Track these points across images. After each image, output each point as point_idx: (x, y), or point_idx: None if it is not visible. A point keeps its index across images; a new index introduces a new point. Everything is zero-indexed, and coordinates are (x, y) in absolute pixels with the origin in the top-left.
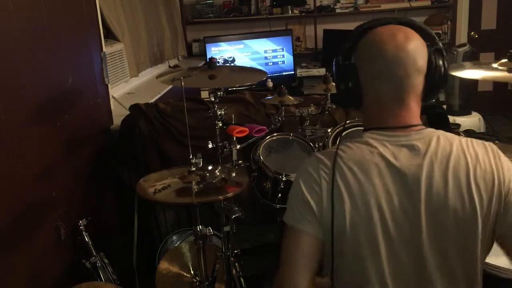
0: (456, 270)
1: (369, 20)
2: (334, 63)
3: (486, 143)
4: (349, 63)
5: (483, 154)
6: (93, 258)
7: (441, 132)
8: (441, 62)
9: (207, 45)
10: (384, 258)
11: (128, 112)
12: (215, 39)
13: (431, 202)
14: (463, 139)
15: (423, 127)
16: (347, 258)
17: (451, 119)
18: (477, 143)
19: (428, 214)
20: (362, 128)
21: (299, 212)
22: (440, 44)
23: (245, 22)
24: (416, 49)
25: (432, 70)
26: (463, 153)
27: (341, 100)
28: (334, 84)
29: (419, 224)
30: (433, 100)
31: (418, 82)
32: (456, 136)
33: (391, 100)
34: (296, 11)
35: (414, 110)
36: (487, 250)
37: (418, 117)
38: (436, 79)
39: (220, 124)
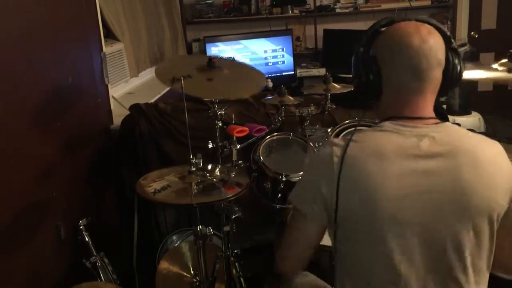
0: (468, 259)
1: (387, 17)
2: (354, 55)
3: (495, 141)
4: (369, 55)
5: (500, 154)
6: (93, 258)
7: (455, 126)
8: (457, 61)
9: (207, 45)
10: (394, 246)
11: (128, 112)
12: (215, 39)
13: (453, 193)
14: (475, 134)
15: (439, 120)
16: (356, 245)
17: (451, 119)
18: (488, 140)
19: (446, 204)
20: (362, 128)
21: (308, 196)
22: (455, 44)
23: (245, 22)
24: (437, 43)
25: (449, 67)
26: (484, 149)
27: (360, 91)
28: (335, 84)
29: (434, 213)
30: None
31: (438, 75)
32: (468, 131)
33: (412, 91)
34: (296, 11)
35: (431, 102)
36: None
37: (432, 109)
38: (453, 76)
39: (220, 124)
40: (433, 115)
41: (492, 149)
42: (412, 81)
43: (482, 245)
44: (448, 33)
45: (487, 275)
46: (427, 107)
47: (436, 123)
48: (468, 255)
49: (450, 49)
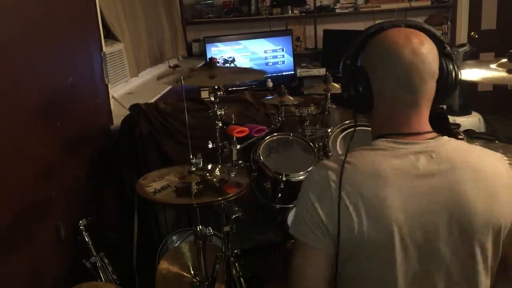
0: (473, 283)
1: (375, 23)
2: (341, 66)
3: (496, 153)
4: (358, 66)
5: (501, 166)
6: (93, 258)
7: (453, 140)
8: (451, 67)
9: (207, 45)
10: (401, 271)
11: (128, 112)
12: (215, 39)
13: (453, 213)
14: (475, 147)
15: (436, 134)
16: (363, 271)
17: (451, 119)
18: (488, 153)
19: (449, 223)
20: (362, 128)
21: (309, 227)
22: (448, 48)
23: (245, 22)
24: (429, 53)
25: (444, 75)
26: (482, 163)
27: (349, 105)
28: (335, 84)
29: (438, 233)
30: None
31: (431, 87)
32: (468, 145)
33: (405, 105)
34: (296, 11)
35: (426, 115)
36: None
37: (428, 122)
38: (448, 84)
39: (220, 124)
40: (429, 128)
41: (492, 161)
42: (405, 96)
43: (487, 262)
44: (441, 38)
45: None
46: (422, 120)
47: (432, 138)
48: (473, 273)
49: (443, 55)
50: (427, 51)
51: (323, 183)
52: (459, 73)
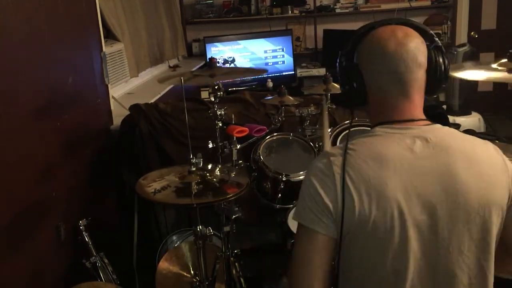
0: (472, 262)
1: (369, 23)
2: (337, 64)
3: (487, 141)
4: (352, 63)
5: (492, 150)
6: (93, 258)
7: (447, 128)
8: (441, 59)
9: (207, 45)
10: (403, 254)
11: (128, 112)
12: (215, 39)
13: (449, 194)
14: (467, 136)
15: (430, 122)
16: (361, 254)
17: (451, 119)
18: (480, 140)
19: (446, 203)
20: (362, 128)
21: (313, 212)
22: (439, 41)
23: (245, 22)
24: (415, 45)
25: (433, 66)
26: (476, 148)
27: (346, 100)
28: (335, 84)
29: (436, 217)
30: (433, 100)
31: (420, 76)
32: (460, 133)
33: (396, 94)
34: (296, 11)
35: (418, 103)
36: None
37: (422, 111)
38: (437, 75)
39: (220, 124)
40: (423, 117)
41: (485, 148)
42: (393, 86)
43: (485, 241)
44: (430, 31)
45: (492, 278)
46: (415, 109)
47: (426, 125)
48: (471, 256)
49: (433, 48)
50: (411, 42)
51: (326, 169)
52: (448, 65)
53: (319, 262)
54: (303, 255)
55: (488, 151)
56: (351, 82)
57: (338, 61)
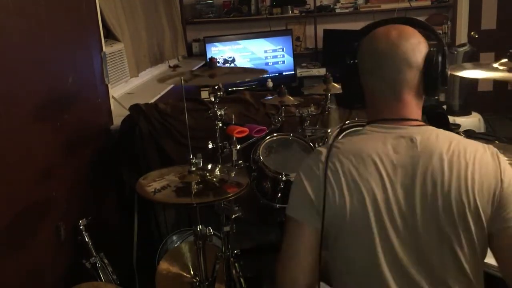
0: (449, 262)
1: (375, 21)
2: (339, 63)
3: (485, 144)
4: (351, 62)
5: (482, 153)
6: (93, 258)
7: (440, 130)
8: (440, 60)
9: (207, 45)
10: (379, 249)
11: (128, 112)
12: (215, 39)
13: (426, 195)
14: (462, 138)
15: (422, 123)
16: (343, 246)
17: (451, 119)
18: (476, 143)
19: (422, 207)
20: (361, 128)
21: (298, 203)
22: (443, 42)
23: (245, 22)
24: (409, 45)
25: (429, 67)
26: (463, 150)
27: (345, 99)
28: (335, 84)
29: (413, 216)
30: (433, 100)
31: (411, 76)
32: (456, 135)
33: (385, 94)
34: (296, 11)
35: (411, 104)
36: (483, 250)
37: (417, 112)
38: (434, 75)
39: (220, 124)
40: (417, 117)
41: (475, 146)
42: (382, 86)
43: (467, 244)
44: (435, 31)
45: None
46: (407, 109)
47: (417, 125)
48: (449, 261)
49: (435, 48)
50: (405, 42)
51: (313, 164)
52: (446, 67)
53: (304, 254)
54: (289, 247)
55: (478, 156)
56: (348, 81)
57: (340, 60)
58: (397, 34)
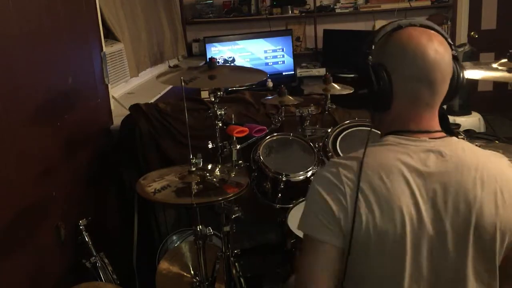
0: (480, 279)
1: (392, 21)
2: (359, 64)
3: (505, 158)
4: (377, 63)
5: (507, 168)
6: (93, 258)
7: (467, 143)
8: (459, 68)
9: (207, 45)
10: (408, 270)
11: (128, 112)
12: (215, 39)
13: (461, 212)
14: (489, 152)
15: (444, 134)
16: (371, 267)
17: (451, 119)
18: (500, 158)
19: (456, 221)
20: (362, 128)
21: (319, 221)
22: (455, 50)
23: (245, 22)
24: (447, 54)
25: (454, 76)
26: (491, 165)
27: (368, 103)
28: (334, 84)
29: (445, 235)
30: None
31: (446, 87)
32: (480, 149)
33: (424, 103)
34: (296, 11)
35: (436, 115)
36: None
37: (438, 123)
38: (456, 85)
39: (220, 124)
40: (438, 128)
41: (501, 165)
42: (426, 94)
43: (493, 268)
44: (449, 39)
45: None
46: (434, 119)
47: (442, 137)
48: (480, 279)
49: (452, 57)
50: (446, 52)
51: (335, 179)
52: (464, 75)
53: (325, 274)
54: (309, 268)
55: (504, 170)
56: (377, 85)
57: (360, 60)
58: (439, 42)
